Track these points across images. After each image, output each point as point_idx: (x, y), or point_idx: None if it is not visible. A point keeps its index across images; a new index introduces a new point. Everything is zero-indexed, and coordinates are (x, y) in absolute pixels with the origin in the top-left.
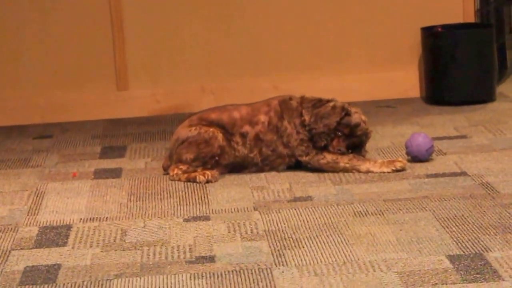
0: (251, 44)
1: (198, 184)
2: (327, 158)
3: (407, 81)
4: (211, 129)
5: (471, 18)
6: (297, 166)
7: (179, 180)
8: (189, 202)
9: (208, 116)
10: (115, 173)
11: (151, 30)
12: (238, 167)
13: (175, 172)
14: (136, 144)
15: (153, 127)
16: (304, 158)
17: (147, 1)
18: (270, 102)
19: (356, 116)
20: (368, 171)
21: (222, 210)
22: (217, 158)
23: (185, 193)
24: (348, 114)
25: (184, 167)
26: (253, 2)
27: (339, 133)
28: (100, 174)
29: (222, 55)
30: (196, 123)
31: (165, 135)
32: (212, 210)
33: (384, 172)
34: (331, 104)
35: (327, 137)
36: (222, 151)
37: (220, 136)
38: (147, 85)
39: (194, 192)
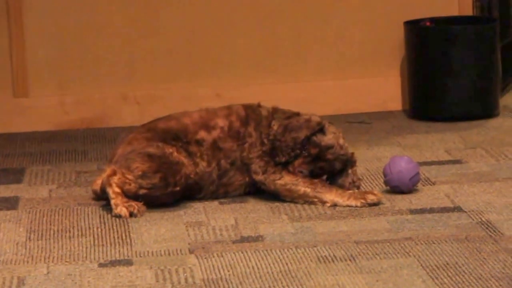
0: (186, 42)
1: (118, 219)
2: (285, 179)
3: (386, 90)
4: (175, 153)
5: (468, 11)
6: (255, 193)
7: (108, 187)
8: (107, 242)
9: (155, 126)
10: (10, 203)
11: (59, 22)
12: (191, 190)
13: (114, 175)
14: (38, 166)
15: (60, 145)
16: (259, 177)
17: None
18: (230, 106)
19: (331, 137)
20: (333, 203)
21: (148, 252)
22: (178, 189)
23: (102, 230)
24: (322, 131)
25: (126, 178)
26: None
27: (305, 152)
28: None
29: (149, 55)
30: (151, 136)
31: (75, 156)
32: (136, 252)
33: (351, 206)
34: (306, 117)
35: (291, 153)
36: (184, 181)
37: (186, 162)
38: (52, 91)
39: (113, 229)
